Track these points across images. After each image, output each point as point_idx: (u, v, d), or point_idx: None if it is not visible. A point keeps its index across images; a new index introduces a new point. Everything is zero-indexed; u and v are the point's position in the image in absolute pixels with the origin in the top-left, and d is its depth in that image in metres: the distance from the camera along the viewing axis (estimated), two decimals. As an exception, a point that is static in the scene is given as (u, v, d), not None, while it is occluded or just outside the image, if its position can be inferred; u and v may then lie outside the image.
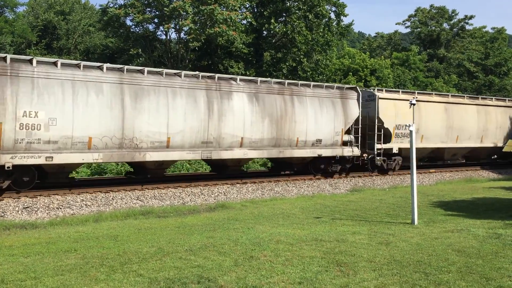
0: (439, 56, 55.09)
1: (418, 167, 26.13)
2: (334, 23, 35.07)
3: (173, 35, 34.35)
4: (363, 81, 38.24)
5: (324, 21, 33.91)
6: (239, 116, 18.21)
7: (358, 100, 21.70)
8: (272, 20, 31.90)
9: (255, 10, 33.91)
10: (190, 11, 28.00)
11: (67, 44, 40.84)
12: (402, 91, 24.39)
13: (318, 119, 20.37)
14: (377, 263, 7.95)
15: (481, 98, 28.54)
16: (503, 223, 11.85)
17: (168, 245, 9.35)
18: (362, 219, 12.87)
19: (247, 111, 18.42)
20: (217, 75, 18.21)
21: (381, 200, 16.93)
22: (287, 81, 20.14)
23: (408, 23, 58.08)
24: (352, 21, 70.21)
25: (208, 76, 18.10)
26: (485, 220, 12.42)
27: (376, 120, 22.60)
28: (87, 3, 46.73)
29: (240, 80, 18.62)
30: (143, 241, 9.97)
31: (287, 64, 33.31)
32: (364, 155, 22.46)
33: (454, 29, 58.44)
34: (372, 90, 23.30)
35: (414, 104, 13.95)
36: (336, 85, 21.61)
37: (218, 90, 17.87)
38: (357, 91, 21.87)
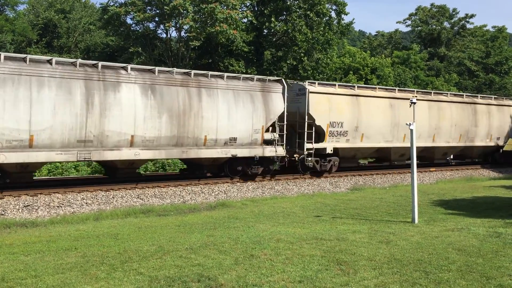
0: (439, 54, 55.05)
1: (359, 168, 24.85)
2: (334, 22, 35.02)
3: (173, 33, 34.34)
4: (363, 79, 38.23)
5: (324, 19, 33.87)
6: (129, 110, 15.84)
7: (283, 93, 19.43)
8: (273, 19, 31.88)
9: (256, 9, 33.88)
10: (191, 10, 27.99)
11: (67, 42, 40.84)
12: (339, 85, 22.05)
13: (233, 114, 18.05)
14: (377, 262, 7.96)
15: (434, 93, 26.16)
16: (503, 222, 11.86)
17: (169, 244, 9.36)
18: (362, 218, 12.87)
19: (139, 105, 16.04)
20: (101, 63, 15.82)
21: (381, 198, 16.93)
22: (193, 71, 17.69)
23: (409, 22, 58.06)
24: (353, 19, 70.12)
25: (89, 64, 15.78)
26: (485, 219, 12.42)
27: (306, 116, 20.19)
28: (88, 2, 46.73)
29: (132, 69, 16.35)
30: (143, 239, 9.98)
31: (288, 62, 33.29)
32: (295, 155, 20.39)
33: (455, 28, 58.40)
34: (303, 83, 20.94)
35: (414, 103, 13.80)
36: (256, 76, 19.37)
37: (102, 80, 15.45)
38: (282, 83, 19.53)
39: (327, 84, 22.13)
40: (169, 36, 32.46)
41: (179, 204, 15.70)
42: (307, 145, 20.29)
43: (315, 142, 20.52)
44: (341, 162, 22.08)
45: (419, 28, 57.05)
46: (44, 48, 38.92)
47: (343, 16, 35.46)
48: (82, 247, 9.24)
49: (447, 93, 27.12)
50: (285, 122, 19.58)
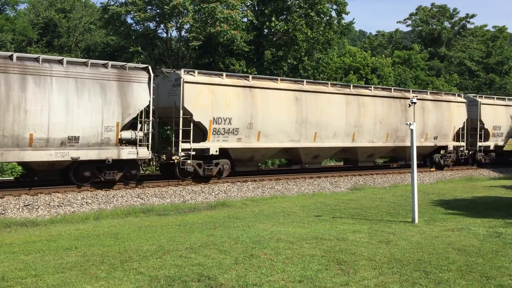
0: (440, 54, 55.04)
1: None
2: (335, 22, 35.02)
3: (174, 33, 34.34)
4: (364, 79, 38.21)
5: (325, 19, 33.87)
6: None
7: (149, 84, 16.34)
8: (273, 18, 31.88)
9: (256, 8, 33.89)
10: (191, 9, 28.01)
11: (68, 42, 40.84)
12: (227, 74, 18.88)
13: (73, 108, 14.90)
14: (377, 262, 7.96)
15: (354, 86, 23.00)
16: (503, 222, 11.86)
17: (169, 243, 9.36)
18: (362, 218, 12.87)
19: None
20: None
21: (381, 198, 16.93)
22: (17, 54, 14.59)
23: (409, 22, 58.04)
24: (353, 19, 70.13)
25: None
26: (485, 219, 12.42)
27: (181, 111, 17.23)
28: (88, 1, 46.72)
29: None
30: (143, 239, 9.99)
31: (288, 62, 33.29)
32: (174, 157, 17.37)
33: (455, 28, 58.38)
34: (179, 71, 17.81)
35: (414, 103, 13.79)
36: (111, 62, 16.26)
37: None
38: (148, 72, 16.44)
39: (211, 74, 18.77)
40: (169, 35, 32.48)
41: (179, 203, 15.71)
42: (183, 145, 17.31)
43: (195, 142, 17.60)
44: (235, 165, 19.29)
45: (420, 28, 57.04)
46: (44, 48, 38.91)
47: (343, 15, 35.48)
48: (82, 247, 9.25)
49: (371, 87, 23.78)
50: (151, 119, 16.49)
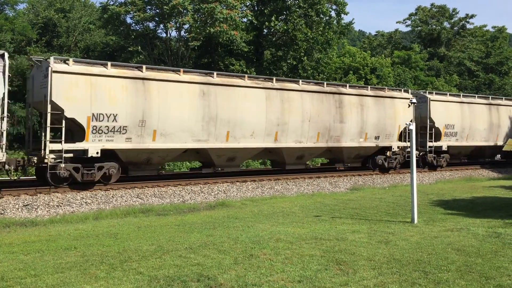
0: (439, 54, 55.11)
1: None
2: (334, 22, 35.05)
3: (173, 33, 34.36)
4: (363, 79, 38.23)
5: (324, 19, 33.91)
6: None
7: (4, 73, 13.94)
8: (273, 18, 31.90)
9: (256, 8, 33.91)
10: (190, 9, 28.02)
11: (67, 42, 40.82)
12: (112, 64, 16.30)
13: None
14: (376, 262, 7.96)
15: (277, 79, 20.12)
16: (502, 222, 11.86)
17: (168, 243, 9.36)
18: (361, 218, 12.88)
19: None
20: None
21: (380, 198, 16.94)
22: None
23: (409, 22, 58.16)
24: (353, 19, 70.23)
25: None
26: (484, 219, 12.43)
27: (49, 105, 14.82)
28: (87, 1, 46.70)
29: None
30: (143, 239, 9.99)
31: (288, 62, 33.30)
32: (50, 158, 14.92)
33: (455, 28, 58.48)
34: (49, 60, 15.17)
35: (414, 103, 13.77)
36: None
37: None
38: (3, 59, 14.00)
39: (91, 63, 16.21)
40: (168, 35, 32.50)
41: (178, 203, 15.71)
42: (52, 146, 15.03)
43: (71, 142, 15.46)
44: (129, 169, 16.94)
45: (419, 28, 57.13)
46: (43, 48, 38.90)
47: (343, 16, 35.53)
48: (81, 247, 9.25)
49: (299, 80, 20.97)
50: (6, 114, 14.11)
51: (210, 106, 17.69)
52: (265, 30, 34.19)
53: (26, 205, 14.00)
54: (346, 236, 9.85)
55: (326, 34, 33.69)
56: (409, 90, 25.61)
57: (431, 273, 7.39)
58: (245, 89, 18.69)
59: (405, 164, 23.95)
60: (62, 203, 14.50)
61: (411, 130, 12.53)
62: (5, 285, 6.91)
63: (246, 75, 19.30)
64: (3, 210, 13.47)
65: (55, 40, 40.77)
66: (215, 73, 18.40)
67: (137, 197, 15.91)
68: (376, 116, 22.64)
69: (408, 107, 22.05)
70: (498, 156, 31.66)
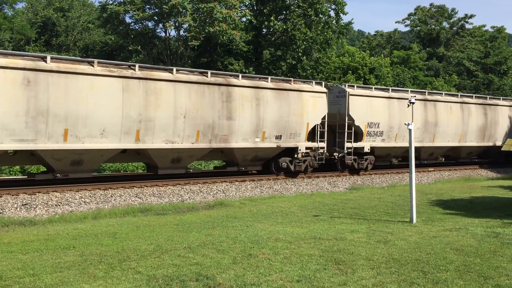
0: (438, 54, 55.15)
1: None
2: (333, 21, 35.07)
3: (172, 32, 34.35)
4: (362, 79, 38.25)
5: (324, 19, 33.93)
6: None
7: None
8: (272, 18, 31.91)
9: (255, 8, 33.91)
10: (189, 9, 28.02)
11: (66, 41, 40.81)
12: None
13: None
14: (375, 262, 7.97)
15: (140, 67, 16.47)
16: (501, 222, 11.88)
17: (167, 243, 9.36)
18: (360, 218, 12.89)
19: None
20: None
21: (379, 198, 16.95)
22: None
23: (408, 22, 58.17)
24: (352, 19, 70.30)
25: None
26: (483, 219, 12.45)
27: None
28: (87, 0, 46.68)
29: None
30: (141, 238, 9.98)
31: (287, 62, 33.31)
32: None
33: (454, 28, 58.52)
34: None
35: (413, 103, 13.77)
36: None
37: None
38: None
39: None
40: (168, 35, 32.48)
41: (177, 203, 15.70)
42: None
43: None
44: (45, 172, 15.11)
45: (418, 28, 57.16)
46: (42, 47, 38.88)
47: (342, 15, 35.54)
48: (80, 246, 9.24)
49: (173, 69, 17.28)
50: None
51: (39, 98, 14.19)
52: (264, 30, 34.20)
53: (25, 204, 13.98)
54: (345, 236, 9.85)
55: (325, 33, 33.70)
56: (322, 83, 21.81)
57: (430, 272, 7.40)
58: (92, 77, 15.20)
59: (323, 167, 22.04)
60: (61, 203, 14.49)
61: (410, 130, 12.52)
62: (4, 284, 6.91)
63: (95, 60, 15.63)
64: (1, 209, 13.46)
65: (54, 39, 40.76)
66: (49, 56, 14.72)
67: (136, 196, 15.91)
68: (277, 112, 19.27)
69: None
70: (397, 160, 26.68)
